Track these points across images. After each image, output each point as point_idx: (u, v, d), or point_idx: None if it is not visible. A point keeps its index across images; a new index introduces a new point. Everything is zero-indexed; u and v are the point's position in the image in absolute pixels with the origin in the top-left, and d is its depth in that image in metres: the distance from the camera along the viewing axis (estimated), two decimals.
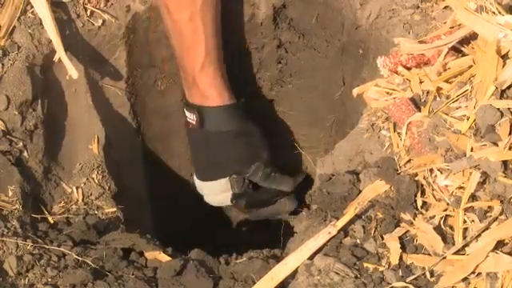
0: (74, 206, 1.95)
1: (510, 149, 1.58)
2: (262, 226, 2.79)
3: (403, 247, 1.56)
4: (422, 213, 1.62)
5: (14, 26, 2.04)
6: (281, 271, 1.56)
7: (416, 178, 1.66)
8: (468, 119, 1.67)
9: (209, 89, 2.29)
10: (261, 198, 2.44)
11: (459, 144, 1.64)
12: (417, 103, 1.79)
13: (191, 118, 2.35)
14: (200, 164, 2.44)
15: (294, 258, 1.57)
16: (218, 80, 2.29)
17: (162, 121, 2.53)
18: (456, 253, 1.52)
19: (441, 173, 1.64)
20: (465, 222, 1.56)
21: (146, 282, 1.61)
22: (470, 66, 1.79)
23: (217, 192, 2.41)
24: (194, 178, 2.47)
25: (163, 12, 2.24)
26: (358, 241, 1.61)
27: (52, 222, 1.86)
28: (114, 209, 1.99)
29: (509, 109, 1.64)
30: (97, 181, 2.03)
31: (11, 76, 1.97)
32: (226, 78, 2.33)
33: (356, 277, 1.51)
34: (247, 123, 2.37)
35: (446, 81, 1.80)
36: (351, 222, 1.62)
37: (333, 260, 1.54)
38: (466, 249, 1.52)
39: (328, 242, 1.59)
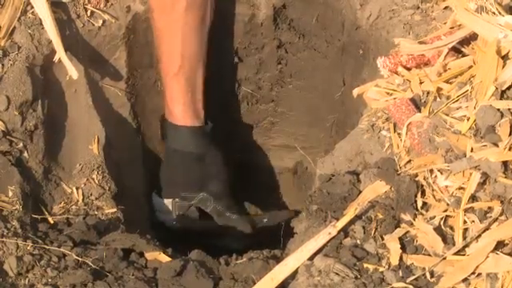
0: (74, 207, 1.95)
1: (510, 149, 1.58)
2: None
3: (403, 248, 1.56)
4: (422, 213, 1.62)
5: (14, 27, 2.03)
6: (281, 272, 1.56)
7: (416, 179, 1.66)
8: (468, 120, 1.67)
9: (176, 104, 2.28)
10: (207, 228, 2.40)
11: (459, 144, 1.64)
12: (417, 104, 1.79)
13: (160, 129, 2.38)
14: (159, 177, 2.43)
15: (294, 259, 1.57)
16: (188, 96, 2.27)
17: None
18: (456, 253, 1.52)
19: (441, 173, 1.64)
20: (465, 222, 1.56)
21: (146, 283, 1.61)
22: (470, 67, 1.79)
23: (162, 210, 2.40)
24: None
25: (150, 18, 2.24)
26: (358, 241, 1.60)
27: (52, 222, 1.86)
28: (114, 209, 1.99)
29: (509, 109, 1.64)
30: (97, 181, 2.03)
31: (11, 76, 1.97)
32: (199, 98, 2.30)
33: (356, 277, 1.51)
34: (209, 150, 2.34)
35: (446, 81, 1.80)
36: (351, 222, 1.62)
37: (333, 260, 1.54)
38: (466, 249, 1.52)
39: (328, 242, 1.59)
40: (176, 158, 2.34)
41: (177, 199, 2.35)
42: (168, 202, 2.37)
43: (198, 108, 2.31)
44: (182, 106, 2.28)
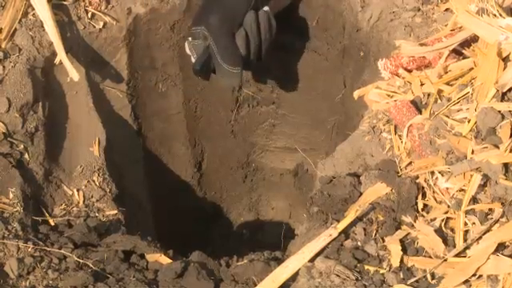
0: (74, 209, 1.95)
1: (510, 151, 1.58)
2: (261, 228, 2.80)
3: (404, 249, 1.57)
4: (422, 215, 1.62)
5: (16, 29, 2.04)
6: (282, 273, 1.56)
7: (417, 181, 1.66)
8: (469, 122, 1.67)
9: None
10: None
11: (460, 146, 1.64)
12: (418, 106, 1.79)
13: None
14: None
15: (295, 261, 1.57)
16: None
17: (162, 123, 2.54)
18: (457, 255, 1.52)
19: (442, 175, 1.64)
20: (466, 224, 1.57)
21: (147, 285, 1.61)
22: (471, 69, 1.79)
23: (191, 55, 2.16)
24: None
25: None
26: (359, 243, 1.61)
27: (53, 224, 1.86)
28: (115, 211, 1.99)
29: (510, 111, 1.64)
30: (98, 183, 2.03)
31: (12, 78, 1.97)
32: None
33: (357, 279, 1.51)
34: None
35: (447, 83, 1.80)
36: (352, 224, 1.62)
37: (334, 262, 1.54)
38: (467, 251, 1.52)
39: (329, 244, 1.59)
40: None
41: (189, 38, 2.14)
42: (186, 45, 2.16)
43: None
44: None
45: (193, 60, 2.15)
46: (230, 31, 2.09)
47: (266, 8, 2.15)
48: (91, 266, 1.64)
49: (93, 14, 2.19)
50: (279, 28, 2.33)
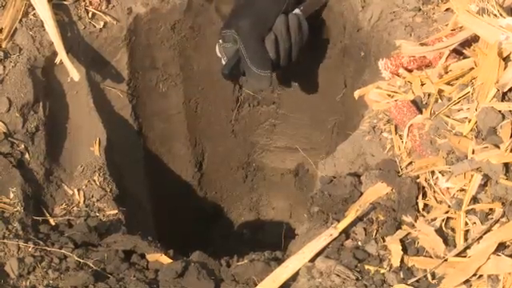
0: (75, 208, 1.95)
1: (511, 151, 1.58)
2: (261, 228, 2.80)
3: (404, 249, 1.57)
4: (423, 215, 1.62)
5: (16, 28, 2.04)
6: (282, 273, 1.56)
7: (417, 181, 1.66)
8: (469, 121, 1.67)
9: None
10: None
11: (461, 146, 1.64)
12: (418, 105, 1.79)
13: None
14: None
15: (296, 260, 1.57)
16: None
17: (163, 123, 2.54)
18: (457, 255, 1.52)
19: (442, 175, 1.64)
20: (466, 224, 1.57)
21: (148, 284, 1.61)
22: (472, 69, 1.79)
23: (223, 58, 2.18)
24: None
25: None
26: (360, 243, 1.61)
27: (53, 224, 1.86)
28: (116, 211, 1.99)
29: (510, 111, 1.64)
30: (98, 183, 2.03)
31: (13, 78, 1.98)
32: None
33: (357, 279, 1.51)
34: None
35: (448, 83, 1.80)
36: (353, 224, 1.62)
37: (334, 262, 1.54)
38: (468, 251, 1.52)
39: (329, 244, 1.59)
40: None
41: (220, 40, 2.16)
42: (216, 47, 2.18)
43: None
44: None
45: (223, 62, 2.16)
46: (260, 35, 2.12)
47: (296, 11, 2.19)
48: (92, 265, 1.64)
49: (93, 14, 2.19)
50: None
